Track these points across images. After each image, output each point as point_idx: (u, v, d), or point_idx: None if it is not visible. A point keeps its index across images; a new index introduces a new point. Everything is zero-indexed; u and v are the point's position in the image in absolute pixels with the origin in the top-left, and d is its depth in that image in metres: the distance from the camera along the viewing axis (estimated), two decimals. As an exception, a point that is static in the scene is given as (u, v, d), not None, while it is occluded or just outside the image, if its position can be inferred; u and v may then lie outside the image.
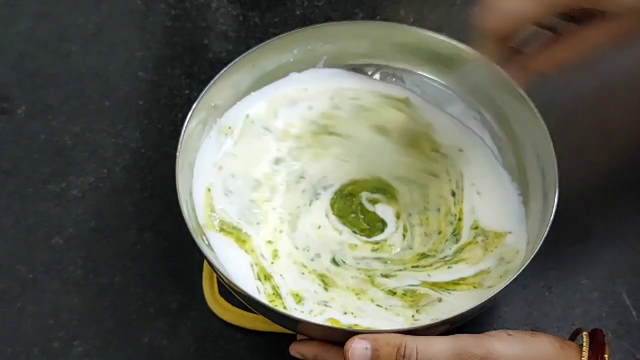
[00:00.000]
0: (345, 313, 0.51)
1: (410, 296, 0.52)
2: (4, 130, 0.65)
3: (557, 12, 0.52)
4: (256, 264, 0.53)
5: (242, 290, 0.48)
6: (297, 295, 0.52)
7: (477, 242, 0.54)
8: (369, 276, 0.53)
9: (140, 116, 0.66)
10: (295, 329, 0.49)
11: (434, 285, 0.52)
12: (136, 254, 0.59)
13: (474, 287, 0.52)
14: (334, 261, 0.54)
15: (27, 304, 0.57)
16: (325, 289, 0.53)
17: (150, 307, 0.56)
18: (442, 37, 0.58)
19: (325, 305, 0.51)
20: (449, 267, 0.53)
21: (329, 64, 0.61)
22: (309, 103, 0.60)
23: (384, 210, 0.57)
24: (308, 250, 0.55)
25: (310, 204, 0.57)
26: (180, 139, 0.53)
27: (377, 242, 0.56)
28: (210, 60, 0.69)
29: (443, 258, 0.54)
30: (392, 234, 0.56)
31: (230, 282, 0.48)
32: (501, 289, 0.47)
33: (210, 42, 0.70)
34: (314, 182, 0.58)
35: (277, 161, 0.58)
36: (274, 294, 0.52)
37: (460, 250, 0.54)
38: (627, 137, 0.64)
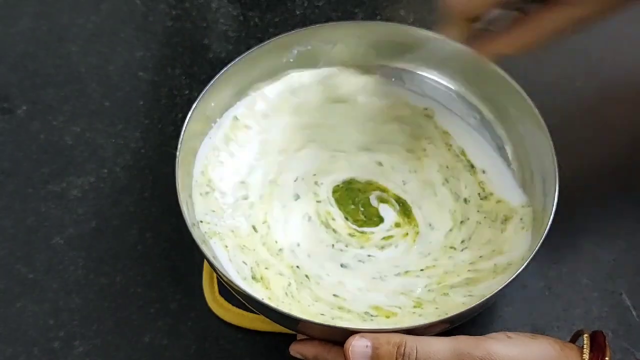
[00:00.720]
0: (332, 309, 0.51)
1: (409, 296, 0.52)
2: (4, 130, 0.65)
3: None
4: (256, 264, 0.53)
5: (242, 290, 0.48)
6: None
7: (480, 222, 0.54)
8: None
9: (140, 116, 0.66)
10: (295, 329, 0.50)
11: (434, 286, 0.53)
12: (136, 254, 0.59)
13: (474, 287, 0.52)
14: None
15: (27, 304, 0.57)
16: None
17: (150, 307, 0.56)
18: (442, 37, 0.58)
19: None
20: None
21: (329, 64, 0.61)
22: (305, 102, 0.60)
23: (386, 210, 0.57)
24: (299, 245, 0.55)
25: (308, 201, 0.57)
26: (180, 139, 0.53)
27: (363, 233, 0.56)
28: (210, 60, 0.69)
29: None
30: (384, 231, 0.56)
31: (230, 282, 0.48)
32: (501, 288, 0.47)
33: (210, 42, 0.70)
34: (312, 178, 0.58)
35: (274, 160, 0.58)
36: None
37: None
38: (627, 137, 0.64)
